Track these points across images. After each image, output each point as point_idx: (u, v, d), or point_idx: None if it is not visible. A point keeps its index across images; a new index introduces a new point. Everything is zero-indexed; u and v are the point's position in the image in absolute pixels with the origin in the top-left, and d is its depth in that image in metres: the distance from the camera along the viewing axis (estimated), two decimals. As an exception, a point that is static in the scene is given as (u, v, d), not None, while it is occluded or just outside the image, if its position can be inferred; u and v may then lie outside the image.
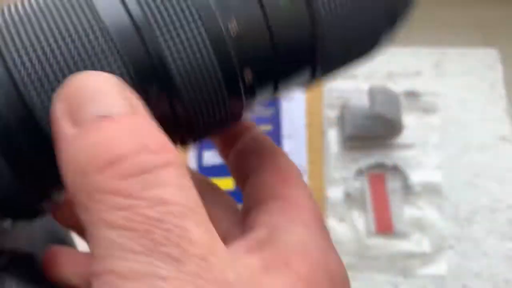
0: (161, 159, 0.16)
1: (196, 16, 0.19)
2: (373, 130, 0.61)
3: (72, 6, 0.18)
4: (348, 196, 0.60)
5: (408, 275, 0.57)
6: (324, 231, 0.21)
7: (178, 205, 0.16)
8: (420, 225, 0.59)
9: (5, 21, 0.19)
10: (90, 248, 0.16)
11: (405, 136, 0.62)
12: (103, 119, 0.16)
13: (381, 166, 0.61)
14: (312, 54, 0.21)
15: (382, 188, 0.60)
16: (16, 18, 0.18)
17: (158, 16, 0.19)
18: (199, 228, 0.16)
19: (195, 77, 0.19)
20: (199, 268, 0.15)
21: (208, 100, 0.20)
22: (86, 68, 0.18)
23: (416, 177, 0.60)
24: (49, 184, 0.19)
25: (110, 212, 0.15)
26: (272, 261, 0.18)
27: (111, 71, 0.18)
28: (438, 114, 0.63)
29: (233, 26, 0.19)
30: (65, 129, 0.17)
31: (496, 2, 0.95)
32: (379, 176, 0.61)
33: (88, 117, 0.16)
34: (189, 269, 0.15)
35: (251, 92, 0.21)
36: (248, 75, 0.20)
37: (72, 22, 0.18)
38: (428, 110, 0.63)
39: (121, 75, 0.18)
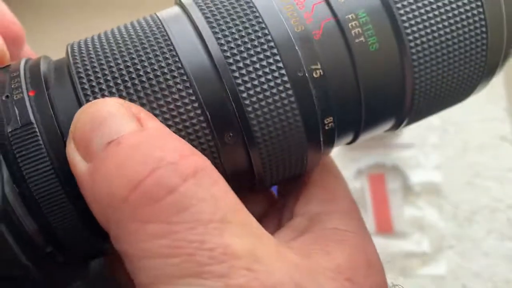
0: (184, 169, 0.15)
1: (279, 65, 0.17)
2: (373, 130, 0.61)
3: (149, 41, 0.17)
4: (348, 196, 0.60)
5: (408, 275, 0.57)
6: (361, 219, 0.21)
7: (216, 221, 0.15)
8: (420, 225, 0.58)
9: (81, 54, 0.18)
10: (132, 276, 0.15)
11: (405, 136, 0.62)
12: (109, 145, 0.15)
13: (381, 166, 0.61)
14: (401, 107, 0.19)
15: (382, 188, 0.60)
16: (92, 51, 0.18)
17: (238, 55, 0.17)
18: (240, 239, 0.15)
19: (274, 124, 0.18)
20: (246, 279, 0.15)
21: (285, 147, 0.18)
22: (160, 106, 0.17)
23: (416, 177, 0.60)
24: None
25: (149, 242, 0.15)
26: (313, 249, 0.18)
27: (185, 110, 0.17)
28: (437, 114, 0.63)
29: (316, 67, 0.18)
30: (80, 167, 0.16)
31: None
32: (379, 176, 0.61)
33: (98, 148, 0.16)
34: (236, 283, 0.15)
35: (330, 141, 0.19)
36: (329, 121, 0.19)
37: (148, 57, 0.17)
38: (428, 110, 0.63)
39: (196, 117, 0.17)
